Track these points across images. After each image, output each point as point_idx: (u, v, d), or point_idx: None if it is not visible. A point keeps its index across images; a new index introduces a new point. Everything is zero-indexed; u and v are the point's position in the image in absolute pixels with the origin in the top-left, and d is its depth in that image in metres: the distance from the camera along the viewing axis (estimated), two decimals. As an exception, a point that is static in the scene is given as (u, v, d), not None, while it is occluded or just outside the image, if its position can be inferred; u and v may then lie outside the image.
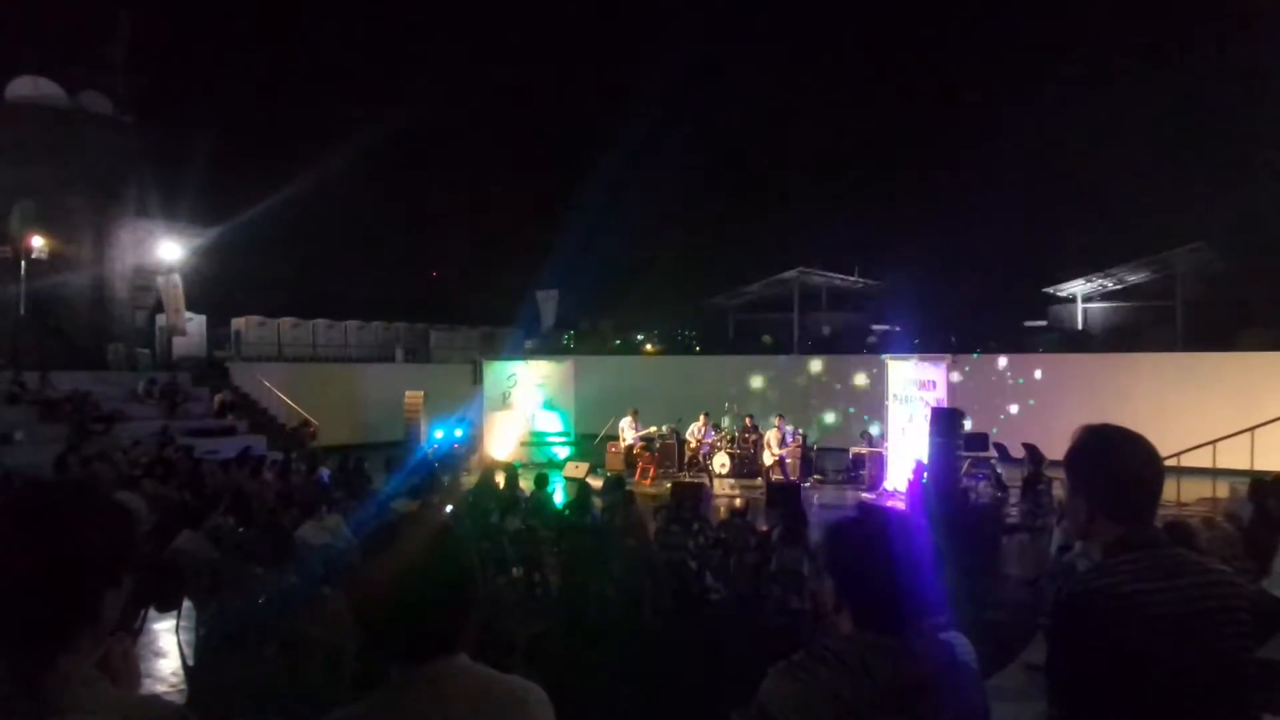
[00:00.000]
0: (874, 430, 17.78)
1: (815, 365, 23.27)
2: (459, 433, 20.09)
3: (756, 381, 23.59)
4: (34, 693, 1.29)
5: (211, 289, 26.09)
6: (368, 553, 1.64)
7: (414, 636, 1.56)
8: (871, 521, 1.88)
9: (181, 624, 7.24)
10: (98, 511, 1.46)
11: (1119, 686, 1.78)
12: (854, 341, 27.44)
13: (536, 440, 20.55)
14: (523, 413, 20.81)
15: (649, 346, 34.53)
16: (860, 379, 21.76)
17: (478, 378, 21.95)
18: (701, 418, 18.22)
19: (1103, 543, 1.95)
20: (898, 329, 26.89)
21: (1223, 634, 1.83)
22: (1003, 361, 20.67)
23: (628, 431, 18.50)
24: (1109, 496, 1.95)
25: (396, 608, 1.55)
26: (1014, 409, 19.88)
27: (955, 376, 15.54)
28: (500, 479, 11.15)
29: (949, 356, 16.14)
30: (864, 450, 17.35)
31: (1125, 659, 1.78)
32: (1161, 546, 1.91)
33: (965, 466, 13.21)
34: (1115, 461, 1.97)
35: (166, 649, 7.17)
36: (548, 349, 26.86)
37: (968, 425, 13.47)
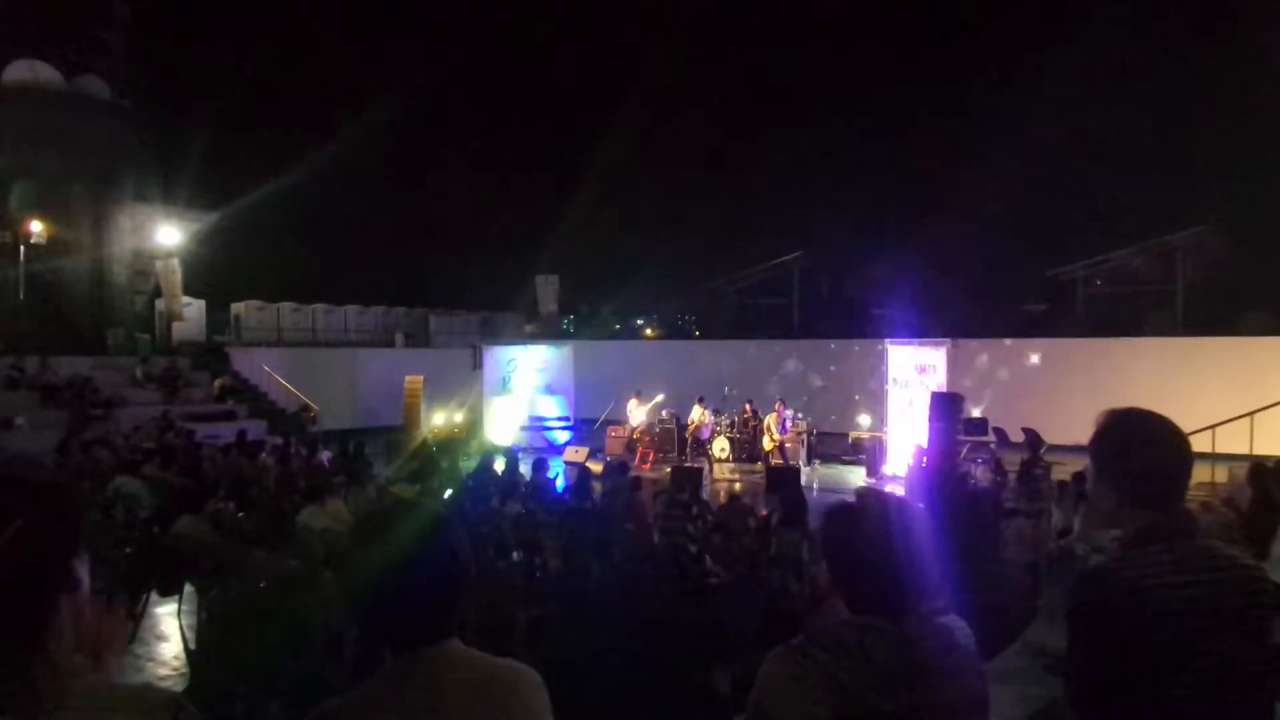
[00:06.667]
0: (874, 415, 17.77)
1: (815, 349, 23.22)
2: (459, 417, 20.12)
3: (756, 366, 23.58)
4: (19, 696, 1.19)
5: (211, 274, 26.03)
6: (360, 540, 1.64)
7: (406, 624, 1.56)
8: (869, 506, 1.87)
9: (183, 608, 7.28)
10: (35, 502, 1.24)
11: (1140, 678, 1.76)
12: (854, 325, 27.38)
13: (536, 425, 20.57)
14: (522, 397, 20.84)
15: (649, 331, 34.51)
16: (860, 363, 21.72)
17: (477, 363, 21.95)
18: (699, 403, 18.19)
19: (1126, 531, 1.89)
20: (898, 312, 26.83)
21: (1248, 627, 1.80)
22: (1002, 345, 20.63)
23: (635, 413, 18.38)
24: (1136, 484, 1.88)
25: (389, 596, 1.55)
26: (1013, 393, 19.88)
27: (954, 360, 15.51)
28: (500, 464, 11.17)
29: (949, 340, 16.11)
30: (864, 434, 17.36)
31: (1148, 650, 1.75)
32: (1189, 537, 1.86)
33: (964, 451, 13.23)
34: (1144, 448, 1.89)
35: (168, 633, 7.21)
36: (547, 334, 26.84)
37: (971, 410, 13.48)
